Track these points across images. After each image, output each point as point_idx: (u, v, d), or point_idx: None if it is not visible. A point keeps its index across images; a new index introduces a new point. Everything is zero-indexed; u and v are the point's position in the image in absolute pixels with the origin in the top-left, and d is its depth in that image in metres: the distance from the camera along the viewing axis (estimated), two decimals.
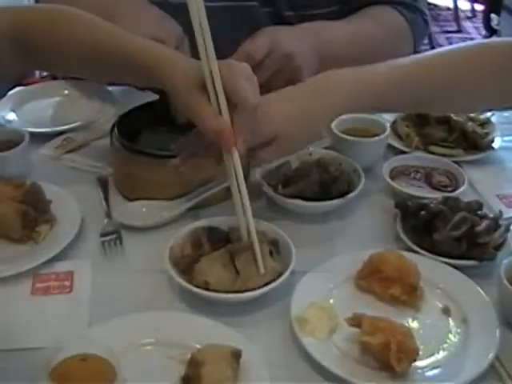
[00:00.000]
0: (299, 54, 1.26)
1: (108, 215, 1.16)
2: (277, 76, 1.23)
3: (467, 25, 5.36)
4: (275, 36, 1.26)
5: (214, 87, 0.97)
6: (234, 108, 0.98)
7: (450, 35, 5.16)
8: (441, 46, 4.90)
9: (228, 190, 1.10)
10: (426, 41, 4.85)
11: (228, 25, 1.27)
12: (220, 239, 1.03)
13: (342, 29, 1.42)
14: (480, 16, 5.21)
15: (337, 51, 1.35)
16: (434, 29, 5.15)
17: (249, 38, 1.25)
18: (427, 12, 1.56)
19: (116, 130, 1.22)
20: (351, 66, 1.17)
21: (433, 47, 4.69)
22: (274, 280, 0.97)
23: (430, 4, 5.40)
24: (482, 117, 1.40)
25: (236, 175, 1.00)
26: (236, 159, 0.99)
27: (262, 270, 0.97)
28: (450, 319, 0.96)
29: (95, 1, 1.27)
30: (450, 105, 1.18)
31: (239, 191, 1.01)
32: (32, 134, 1.31)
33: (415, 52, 1.48)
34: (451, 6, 5.38)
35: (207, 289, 0.96)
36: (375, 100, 1.09)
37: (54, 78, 1.73)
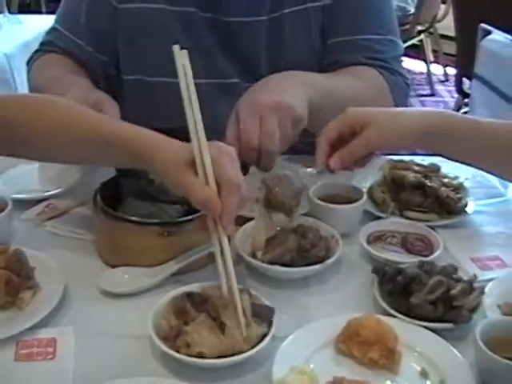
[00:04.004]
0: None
1: None
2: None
3: (440, 88, 5.48)
4: (256, 112, 1.29)
5: (203, 163, 1.04)
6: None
7: (423, 99, 5.27)
8: None
9: (210, 255, 1.12)
10: None
11: (214, 99, 1.31)
12: (203, 302, 1.04)
13: (322, 76, 1.48)
14: (452, 80, 5.33)
15: (323, 92, 1.40)
16: None
17: (231, 120, 1.30)
18: (408, 76, 1.63)
19: (98, 197, 1.24)
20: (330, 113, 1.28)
21: None
22: (255, 346, 0.99)
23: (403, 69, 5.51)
24: (456, 182, 1.44)
25: (221, 243, 1.04)
26: (221, 231, 1.04)
27: (245, 334, 0.98)
28: (428, 382, 0.97)
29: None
30: None
31: (223, 258, 1.04)
32: (14, 201, 1.32)
33: None
34: (424, 70, 5.50)
35: (190, 355, 0.97)
36: None
37: None
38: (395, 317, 1.07)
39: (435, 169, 1.46)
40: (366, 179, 1.46)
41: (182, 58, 1.06)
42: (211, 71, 1.56)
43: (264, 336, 1.00)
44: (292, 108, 1.29)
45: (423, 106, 5.14)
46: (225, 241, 1.04)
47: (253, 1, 1.54)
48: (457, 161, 1.29)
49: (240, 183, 1.04)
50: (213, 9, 1.55)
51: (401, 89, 1.58)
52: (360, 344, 1.00)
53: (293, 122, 1.29)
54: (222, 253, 1.04)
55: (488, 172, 1.37)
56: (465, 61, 3.18)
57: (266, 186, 1.23)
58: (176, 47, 1.06)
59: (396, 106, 1.56)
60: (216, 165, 1.04)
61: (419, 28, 5.30)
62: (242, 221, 1.21)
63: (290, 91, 1.33)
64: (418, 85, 5.50)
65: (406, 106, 1.62)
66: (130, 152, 1.11)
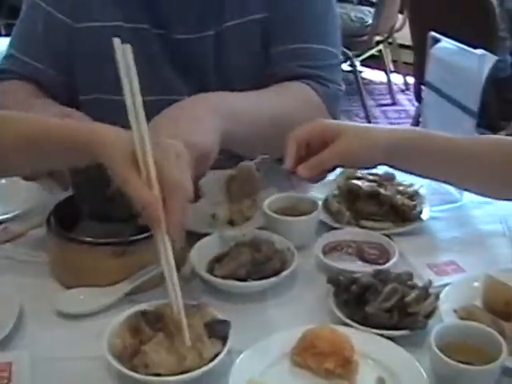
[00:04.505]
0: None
1: None
2: None
3: (401, 97, 5.53)
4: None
5: (146, 163, 1.00)
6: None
7: (384, 108, 5.31)
8: (376, 118, 5.04)
9: (163, 274, 1.12)
10: (362, 114, 4.99)
11: None
12: (157, 320, 1.03)
13: (243, 97, 1.44)
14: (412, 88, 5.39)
15: (241, 116, 1.37)
16: (370, 102, 5.31)
17: None
18: (342, 83, 1.62)
19: (52, 218, 1.24)
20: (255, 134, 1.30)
21: (369, 121, 4.81)
22: (211, 361, 0.99)
23: (364, 79, 5.57)
24: (411, 189, 1.45)
25: (167, 257, 1.01)
26: (166, 241, 1.00)
27: (189, 343, 0.98)
28: None
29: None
30: None
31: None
32: None
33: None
34: (385, 80, 5.55)
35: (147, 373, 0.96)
36: None
37: None
38: (351, 326, 1.08)
39: (390, 177, 1.48)
40: (321, 190, 1.46)
41: (124, 53, 1.01)
42: (165, 89, 1.56)
43: (220, 352, 1.00)
44: (196, 146, 1.20)
45: (385, 115, 5.19)
46: (169, 252, 1.01)
47: (198, 16, 1.55)
48: (422, 176, 1.32)
49: (184, 184, 1.01)
50: (164, 26, 1.55)
51: (332, 97, 1.57)
52: (316, 355, 1.00)
53: (196, 159, 1.19)
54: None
55: (454, 186, 1.40)
56: (421, 69, 3.21)
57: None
58: (117, 40, 1.01)
59: (330, 113, 1.54)
60: (158, 165, 1.00)
61: (378, 38, 5.34)
62: (196, 237, 1.22)
63: (198, 124, 1.27)
64: (379, 94, 5.55)
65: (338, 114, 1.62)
66: (79, 144, 1.07)
